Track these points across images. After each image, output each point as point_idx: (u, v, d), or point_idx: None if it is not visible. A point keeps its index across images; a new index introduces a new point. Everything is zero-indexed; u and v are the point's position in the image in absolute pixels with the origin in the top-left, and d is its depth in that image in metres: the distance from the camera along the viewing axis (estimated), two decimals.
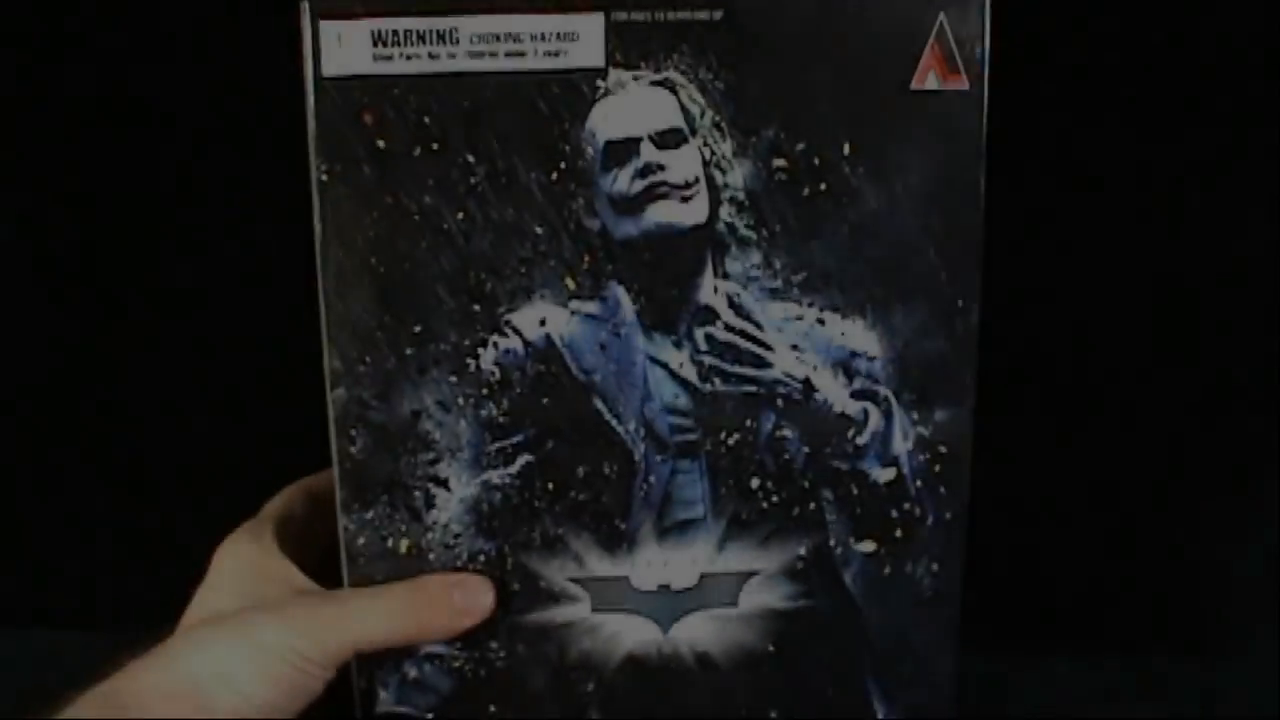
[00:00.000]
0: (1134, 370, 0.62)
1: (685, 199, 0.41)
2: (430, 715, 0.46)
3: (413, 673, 0.45)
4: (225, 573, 0.44)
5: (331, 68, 0.40)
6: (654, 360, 0.43)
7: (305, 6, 0.39)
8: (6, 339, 0.66)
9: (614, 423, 0.43)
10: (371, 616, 0.43)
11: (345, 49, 0.40)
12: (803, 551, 0.45)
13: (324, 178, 0.40)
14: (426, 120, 0.40)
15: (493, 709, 0.46)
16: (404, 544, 0.44)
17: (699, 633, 0.45)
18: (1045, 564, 0.64)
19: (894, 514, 0.45)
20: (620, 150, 0.41)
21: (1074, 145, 0.59)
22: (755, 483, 0.44)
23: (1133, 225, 0.60)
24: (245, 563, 0.45)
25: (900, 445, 0.44)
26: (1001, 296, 0.44)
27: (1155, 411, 0.63)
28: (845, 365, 0.43)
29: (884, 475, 0.44)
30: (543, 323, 0.42)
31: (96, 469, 0.67)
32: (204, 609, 0.43)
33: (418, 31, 0.39)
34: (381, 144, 0.40)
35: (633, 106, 0.40)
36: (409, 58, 0.40)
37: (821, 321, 0.43)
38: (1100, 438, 0.62)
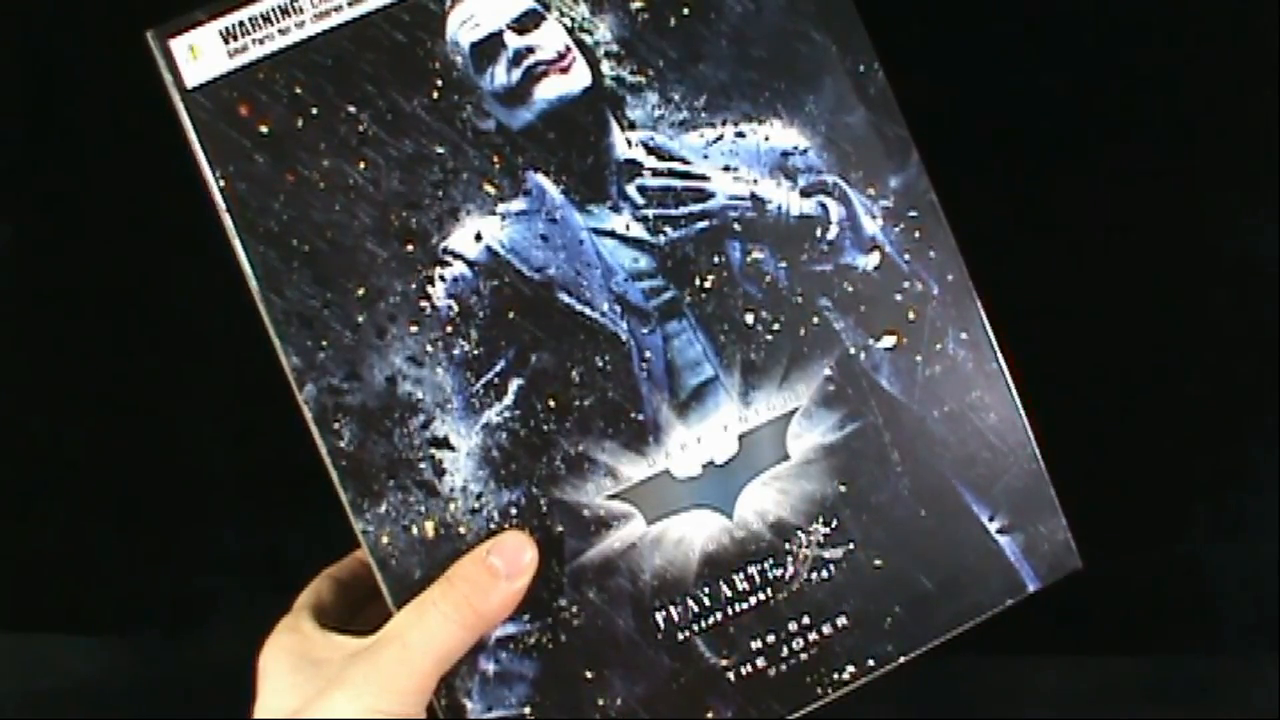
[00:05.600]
0: (1134, 368, 0.62)
1: (564, 70, 0.41)
2: (528, 710, 0.41)
3: (491, 667, 0.41)
4: (273, 674, 0.41)
5: (194, 79, 0.40)
6: (599, 232, 0.41)
7: (150, 35, 0.40)
8: (3, 341, 0.65)
9: (587, 310, 0.41)
10: (427, 635, 0.39)
11: (201, 57, 0.40)
12: (828, 371, 0.42)
13: (221, 183, 0.40)
14: (298, 91, 0.41)
15: (589, 674, 0.41)
16: (429, 526, 0.41)
17: (764, 502, 0.42)
18: None
19: (898, 297, 0.43)
20: (486, 49, 0.41)
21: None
22: (750, 318, 0.42)
23: (1133, 222, 0.62)
24: (290, 654, 0.41)
25: (871, 225, 0.43)
26: (997, 295, 0.44)
27: (1155, 409, 0.63)
28: (782, 167, 0.42)
29: (870, 261, 0.43)
30: (478, 237, 0.41)
31: (92, 473, 0.64)
32: (268, 713, 0.40)
33: (261, 14, 0.41)
34: (264, 129, 0.40)
35: (482, 4, 0.41)
36: (261, 41, 0.41)
37: (741, 134, 0.42)
38: (1099, 436, 0.61)
